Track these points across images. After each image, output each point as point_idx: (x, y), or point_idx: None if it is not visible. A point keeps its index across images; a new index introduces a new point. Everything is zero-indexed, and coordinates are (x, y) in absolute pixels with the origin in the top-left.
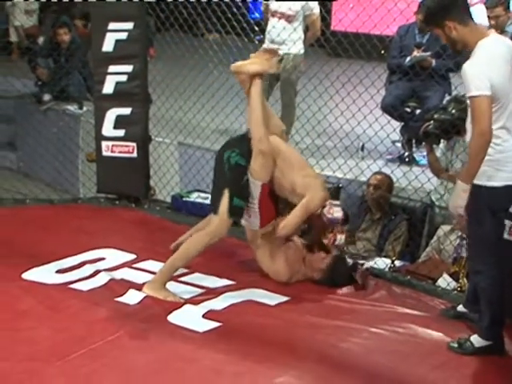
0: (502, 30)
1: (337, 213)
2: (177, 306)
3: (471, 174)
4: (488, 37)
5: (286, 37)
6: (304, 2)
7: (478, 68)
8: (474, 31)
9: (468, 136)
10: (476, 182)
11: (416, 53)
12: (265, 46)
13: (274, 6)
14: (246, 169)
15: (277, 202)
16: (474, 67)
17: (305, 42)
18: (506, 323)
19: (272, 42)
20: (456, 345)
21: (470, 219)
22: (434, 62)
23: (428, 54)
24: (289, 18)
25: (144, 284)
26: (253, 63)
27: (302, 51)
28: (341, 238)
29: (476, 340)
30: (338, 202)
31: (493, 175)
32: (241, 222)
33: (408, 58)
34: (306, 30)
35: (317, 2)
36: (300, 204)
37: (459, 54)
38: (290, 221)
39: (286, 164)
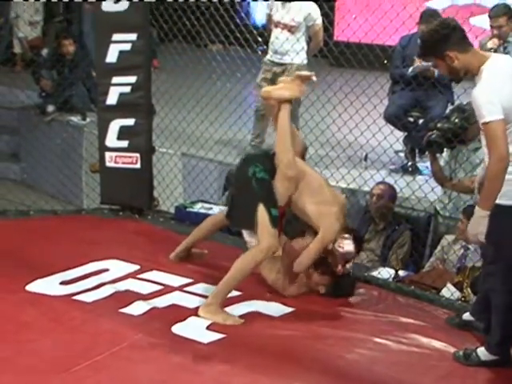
0: (504, 40)
1: (348, 246)
2: (181, 317)
3: (491, 199)
4: (489, 59)
5: (289, 47)
6: (307, 13)
7: (488, 92)
8: (475, 56)
9: (486, 161)
10: (498, 202)
11: (418, 63)
12: (268, 56)
13: (276, 16)
14: (271, 184)
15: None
16: (483, 92)
17: (308, 53)
18: None
19: (275, 52)
20: (462, 355)
21: (488, 238)
22: (436, 71)
23: (431, 63)
24: (291, 29)
25: (148, 295)
26: (283, 89)
27: (305, 62)
28: (351, 266)
29: (483, 353)
30: (347, 235)
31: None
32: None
33: (410, 69)
34: (309, 40)
35: (319, 13)
36: (315, 240)
37: (460, 80)
38: (305, 257)
39: (306, 188)
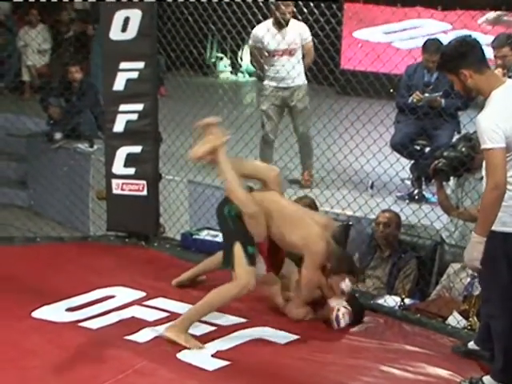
0: (508, 70)
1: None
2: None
3: (486, 226)
4: (503, 85)
5: (293, 70)
6: (300, 33)
7: (492, 120)
8: (489, 79)
9: (483, 187)
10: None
11: (420, 94)
12: (270, 83)
13: (272, 45)
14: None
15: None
16: (488, 119)
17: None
18: None
19: (281, 79)
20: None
21: (483, 264)
22: (443, 101)
23: (438, 94)
24: (292, 52)
25: (154, 322)
26: (203, 144)
27: (306, 81)
28: (347, 285)
29: (488, 381)
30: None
31: (508, 221)
32: None
33: (410, 99)
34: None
35: (307, 30)
36: (304, 267)
37: (473, 99)
38: (303, 289)
39: (283, 220)
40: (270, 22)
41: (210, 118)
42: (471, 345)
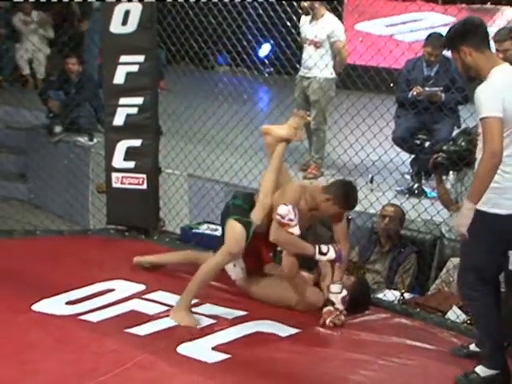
0: (510, 63)
1: (337, 289)
2: (187, 337)
3: (479, 193)
4: (501, 65)
5: (315, 61)
6: (330, 30)
7: (491, 91)
8: (488, 60)
9: (478, 158)
10: (481, 208)
11: (417, 90)
12: (299, 73)
13: (304, 33)
14: (246, 211)
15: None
16: (486, 90)
17: (334, 69)
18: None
19: (304, 67)
20: (463, 377)
21: (469, 243)
22: (443, 96)
23: (438, 88)
24: (316, 45)
25: (154, 315)
26: (281, 129)
27: (332, 76)
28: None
29: (481, 370)
30: (335, 285)
31: (498, 203)
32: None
33: (410, 93)
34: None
35: (343, 30)
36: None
37: (472, 81)
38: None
39: None
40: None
41: (305, 112)
42: (472, 347)
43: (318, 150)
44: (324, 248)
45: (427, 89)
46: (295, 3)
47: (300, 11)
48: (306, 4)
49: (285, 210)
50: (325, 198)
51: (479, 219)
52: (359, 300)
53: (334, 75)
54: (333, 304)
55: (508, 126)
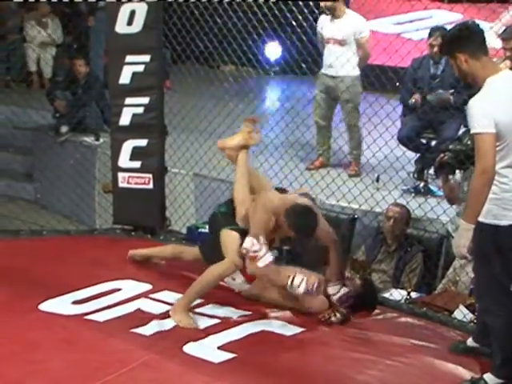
0: None
1: (335, 290)
2: (193, 337)
3: (474, 213)
4: (498, 74)
5: (341, 60)
6: (355, 27)
7: (483, 105)
8: (485, 67)
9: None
10: (482, 220)
11: (416, 97)
12: (322, 70)
13: (326, 32)
14: (232, 218)
15: None
16: (478, 104)
17: (358, 65)
18: None
19: (329, 66)
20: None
21: (475, 258)
22: (452, 98)
23: (450, 91)
24: (341, 42)
25: (160, 315)
26: (235, 138)
27: (358, 73)
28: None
29: (489, 378)
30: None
31: (499, 214)
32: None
33: (411, 100)
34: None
35: (367, 26)
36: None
37: (471, 86)
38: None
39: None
40: None
41: (255, 115)
42: (470, 342)
43: (355, 147)
44: (297, 279)
45: (441, 91)
46: (311, 3)
47: (316, 11)
48: (326, 4)
49: (248, 244)
50: (283, 220)
51: (481, 232)
52: (366, 302)
53: (358, 71)
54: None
55: (503, 139)
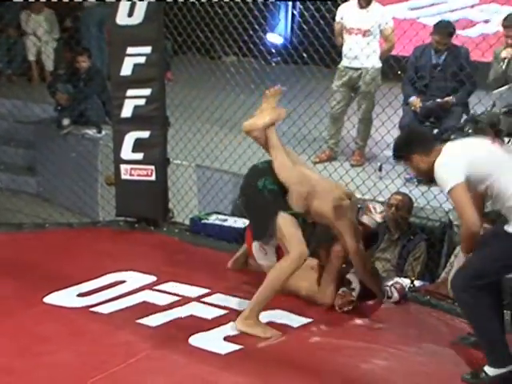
0: None
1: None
2: (199, 328)
3: (469, 250)
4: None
5: (364, 52)
6: (379, 17)
7: (446, 162)
8: (439, 153)
9: None
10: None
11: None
12: (343, 63)
13: (349, 23)
14: (282, 193)
15: None
16: (442, 162)
17: (380, 57)
18: None
19: (353, 58)
20: (469, 376)
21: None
22: (454, 99)
23: (449, 98)
24: (366, 33)
25: (165, 306)
26: (262, 117)
27: (379, 65)
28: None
29: (489, 370)
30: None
31: None
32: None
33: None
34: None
35: (390, 16)
36: (346, 237)
37: (432, 182)
38: (354, 260)
39: (317, 192)
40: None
41: (278, 86)
42: None
43: (364, 138)
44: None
45: (439, 100)
46: None
47: (358, 2)
48: None
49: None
50: None
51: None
52: (370, 293)
53: (380, 63)
54: (349, 283)
55: (486, 181)
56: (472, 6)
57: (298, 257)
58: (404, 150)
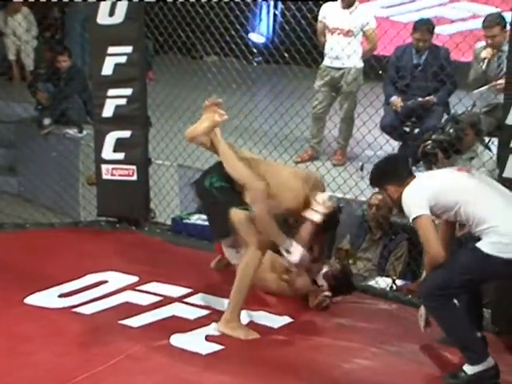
0: (498, 50)
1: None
2: (180, 329)
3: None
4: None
5: (346, 52)
6: (362, 17)
7: (412, 193)
8: (411, 181)
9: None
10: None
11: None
12: (325, 63)
13: (332, 23)
14: (232, 189)
15: None
16: (407, 194)
17: (363, 56)
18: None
19: (333, 58)
20: (449, 376)
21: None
22: (435, 98)
23: (430, 98)
24: (348, 33)
25: (148, 306)
26: (201, 123)
27: (361, 65)
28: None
29: (467, 368)
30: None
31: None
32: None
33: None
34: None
35: (373, 16)
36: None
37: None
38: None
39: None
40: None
41: (214, 97)
42: None
43: (346, 138)
44: (294, 248)
45: (420, 99)
46: None
47: (342, 1)
48: None
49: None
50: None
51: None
52: (341, 289)
53: (362, 63)
54: (315, 283)
55: (453, 209)
56: (444, 5)
57: (257, 247)
58: (380, 180)
